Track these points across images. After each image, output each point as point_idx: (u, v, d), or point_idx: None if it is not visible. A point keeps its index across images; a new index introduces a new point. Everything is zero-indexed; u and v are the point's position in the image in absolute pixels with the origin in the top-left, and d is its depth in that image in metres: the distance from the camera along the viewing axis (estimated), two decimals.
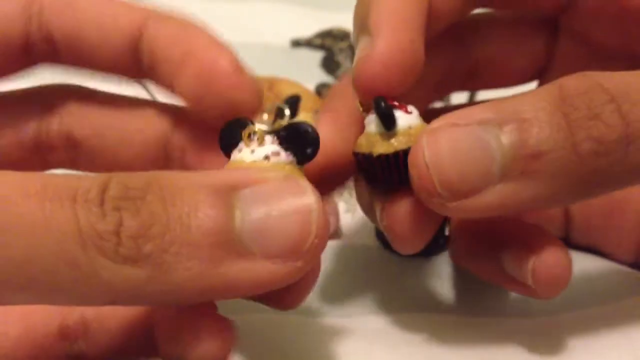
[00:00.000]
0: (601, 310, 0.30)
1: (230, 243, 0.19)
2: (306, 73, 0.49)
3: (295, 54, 0.53)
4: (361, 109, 0.25)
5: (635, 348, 0.28)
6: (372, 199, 0.26)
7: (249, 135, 0.23)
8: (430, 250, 0.34)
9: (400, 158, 0.24)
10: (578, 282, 0.32)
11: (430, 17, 0.26)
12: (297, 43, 0.54)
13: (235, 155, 0.23)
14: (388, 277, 0.33)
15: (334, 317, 0.30)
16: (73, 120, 0.29)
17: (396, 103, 0.24)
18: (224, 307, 0.29)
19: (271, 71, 0.45)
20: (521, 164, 0.22)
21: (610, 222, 0.32)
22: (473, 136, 0.22)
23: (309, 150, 0.22)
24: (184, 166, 0.29)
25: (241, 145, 0.23)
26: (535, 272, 0.25)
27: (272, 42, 0.53)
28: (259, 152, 0.22)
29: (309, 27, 0.54)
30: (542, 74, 0.32)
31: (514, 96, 0.23)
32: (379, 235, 0.34)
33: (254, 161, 0.22)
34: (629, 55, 0.30)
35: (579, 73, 0.23)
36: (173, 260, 0.19)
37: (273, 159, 0.22)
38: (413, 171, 0.23)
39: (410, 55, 0.25)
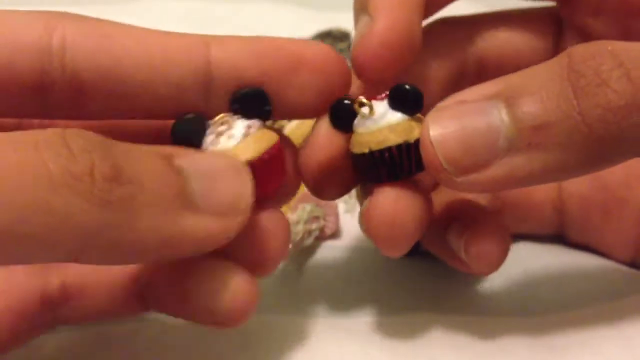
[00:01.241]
0: (599, 309, 0.30)
1: (185, 199, 0.21)
2: None
3: None
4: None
5: (633, 346, 0.28)
6: (365, 197, 0.27)
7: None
8: (424, 249, 0.34)
9: (406, 149, 0.25)
10: (575, 280, 0.32)
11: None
12: None
13: (215, 148, 0.23)
14: (388, 277, 0.33)
15: (334, 317, 0.30)
16: (78, 56, 0.22)
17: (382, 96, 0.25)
18: None
19: None
20: (528, 135, 0.22)
21: (607, 221, 0.32)
22: (478, 110, 0.23)
23: (267, 108, 0.24)
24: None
25: (210, 138, 0.24)
26: (466, 245, 0.26)
27: None
28: (236, 132, 0.24)
29: (309, 28, 0.54)
30: None
31: (523, 70, 0.23)
32: None
33: (237, 145, 0.23)
34: None
35: (589, 42, 0.22)
36: (139, 207, 0.20)
37: (251, 131, 0.24)
38: (422, 148, 0.23)
39: (408, 35, 0.25)
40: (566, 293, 0.32)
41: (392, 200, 0.25)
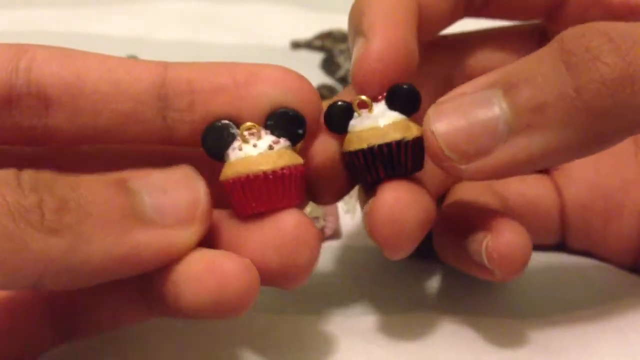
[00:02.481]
0: (598, 311, 0.30)
1: (133, 215, 0.22)
2: (306, 74, 0.49)
3: (295, 55, 0.53)
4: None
5: (633, 349, 0.28)
6: (366, 199, 0.27)
7: (245, 132, 0.24)
8: (431, 252, 0.34)
9: (399, 147, 0.25)
10: (574, 282, 0.32)
11: (421, 22, 0.27)
12: (297, 45, 0.54)
13: (237, 153, 0.24)
14: (388, 277, 0.33)
15: (334, 317, 0.30)
16: (44, 72, 0.24)
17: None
18: None
19: None
20: (526, 117, 0.22)
21: (607, 227, 0.32)
22: (477, 100, 0.23)
23: (300, 131, 0.25)
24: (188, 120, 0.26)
25: (236, 144, 0.24)
26: (488, 251, 0.26)
27: (271, 44, 0.53)
28: (262, 144, 0.24)
29: (309, 29, 0.55)
30: None
31: (518, 60, 0.24)
32: None
33: (261, 154, 0.24)
34: None
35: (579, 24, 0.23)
36: (90, 230, 0.21)
37: (275, 147, 0.24)
38: (426, 140, 0.24)
39: (404, 52, 0.26)
40: (565, 294, 0.32)
41: (394, 200, 0.25)
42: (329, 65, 0.50)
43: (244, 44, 0.50)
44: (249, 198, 0.24)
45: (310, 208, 0.34)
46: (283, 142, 0.24)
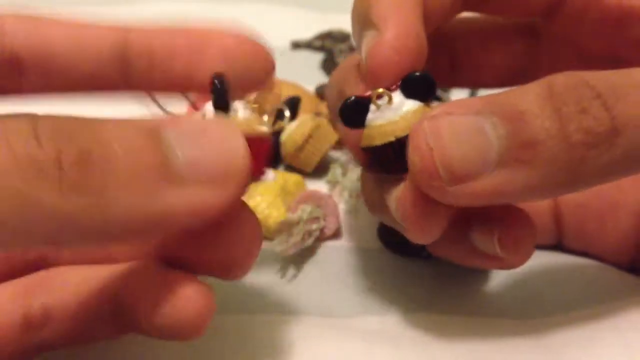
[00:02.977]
0: (597, 311, 0.30)
1: (165, 171, 0.20)
2: (306, 75, 0.49)
3: (295, 55, 0.53)
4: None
5: (631, 348, 0.28)
6: (383, 193, 0.27)
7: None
8: (427, 252, 0.34)
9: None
10: (574, 282, 0.32)
11: (424, 16, 0.27)
12: (297, 45, 0.54)
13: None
14: (388, 277, 0.33)
15: (334, 317, 0.30)
16: (16, 38, 0.27)
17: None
18: (225, 308, 0.30)
19: None
20: (517, 151, 0.23)
21: (603, 227, 0.32)
22: (472, 123, 0.23)
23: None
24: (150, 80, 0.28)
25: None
26: (501, 239, 0.26)
27: (271, 44, 0.53)
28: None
29: (309, 29, 0.55)
30: (524, 75, 0.33)
31: (506, 91, 0.24)
32: (381, 235, 0.34)
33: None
34: (612, 58, 0.31)
35: (566, 72, 0.24)
36: (115, 188, 0.19)
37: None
38: (415, 154, 0.24)
39: (417, 42, 0.26)
40: (565, 294, 0.32)
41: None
42: (329, 65, 0.50)
43: None
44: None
45: (310, 208, 0.34)
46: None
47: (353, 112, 0.26)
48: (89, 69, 0.26)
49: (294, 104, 0.41)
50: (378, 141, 0.25)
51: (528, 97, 0.23)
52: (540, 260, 0.34)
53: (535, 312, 0.31)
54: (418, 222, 0.25)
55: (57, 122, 0.19)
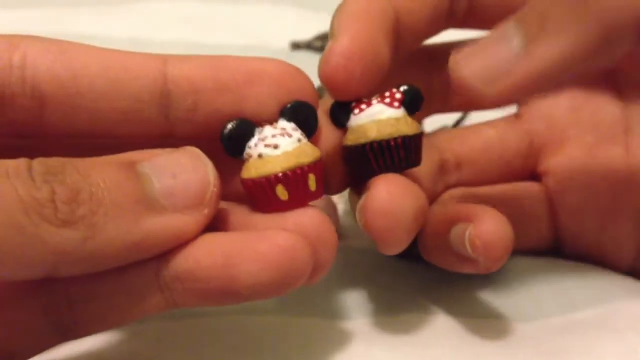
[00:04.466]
0: (598, 313, 0.30)
1: (144, 201, 0.22)
2: None
3: (295, 56, 0.53)
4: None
5: (631, 350, 0.28)
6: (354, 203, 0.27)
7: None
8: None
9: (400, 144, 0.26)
10: (573, 284, 0.32)
11: (401, 32, 0.28)
12: (296, 45, 0.54)
13: (267, 150, 0.25)
14: (388, 277, 0.33)
15: (334, 318, 0.30)
16: (37, 70, 0.24)
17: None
18: (224, 309, 0.30)
19: None
20: (535, 28, 0.24)
21: (603, 230, 0.32)
22: (494, 36, 0.25)
23: (314, 122, 0.26)
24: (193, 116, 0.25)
25: (255, 140, 0.25)
26: (471, 239, 0.26)
27: (271, 45, 0.53)
28: (289, 140, 0.25)
29: (309, 30, 0.55)
30: None
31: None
32: None
33: (292, 150, 0.25)
34: None
35: None
36: (102, 220, 0.21)
37: (302, 140, 0.25)
38: (451, 73, 0.25)
39: (370, 50, 0.26)
40: (565, 296, 0.32)
41: (388, 193, 0.25)
42: None
43: (243, 45, 0.50)
44: (277, 195, 0.24)
45: None
46: (300, 134, 0.25)
47: (339, 112, 0.27)
48: (122, 107, 0.24)
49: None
50: (351, 141, 0.26)
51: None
52: (540, 262, 0.34)
53: (535, 314, 0.31)
54: (378, 233, 0.26)
55: (48, 164, 0.21)
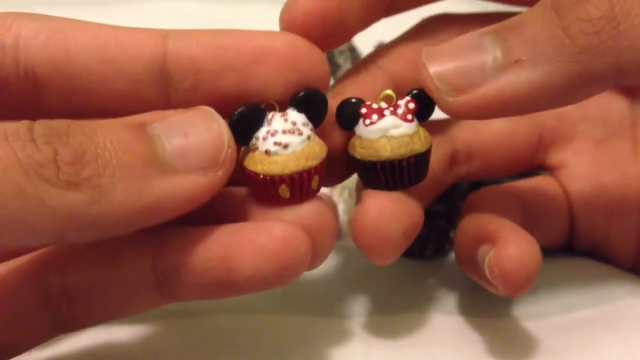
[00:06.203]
0: (598, 312, 0.30)
1: (155, 162, 0.21)
2: None
3: None
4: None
5: (633, 350, 0.28)
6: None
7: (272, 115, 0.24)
8: (434, 254, 0.34)
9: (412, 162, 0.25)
10: (575, 284, 0.32)
11: None
12: None
13: (270, 146, 0.24)
14: (388, 277, 0.33)
15: (334, 317, 0.30)
16: (31, 51, 0.23)
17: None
18: (224, 309, 0.30)
19: None
20: (515, 52, 0.23)
21: (611, 223, 0.32)
22: (470, 41, 0.24)
23: (324, 112, 0.25)
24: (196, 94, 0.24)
25: (264, 133, 0.24)
26: (490, 266, 0.26)
27: None
28: (297, 138, 0.24)
29: None
30: None
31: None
32: None
33: (300, 149, 0.24)
34: None
35: None
36: (110, 182, 0.20)
37: (312, 136, 0.24)
38: (418, 73, 0.25)
39: (332, 4, 0.25)
40: (566, 295, 0.32)
41: (377, 210, 0.25)
42: (329, 66, 0.50)
43: None
44: (279, 193, 0.24)
45: None
46: (311, 130, 0.24)
47: (348, 115, 0.26)
48: (121, 88, 0.23)
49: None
50: (357, 154, 0.25)
51: (528, 11, 0.24)
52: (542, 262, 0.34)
53: (536, 313, 0.31)
54: (366, 248, 0.26)
55: (51, 126, 0.20)
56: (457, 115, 0.25)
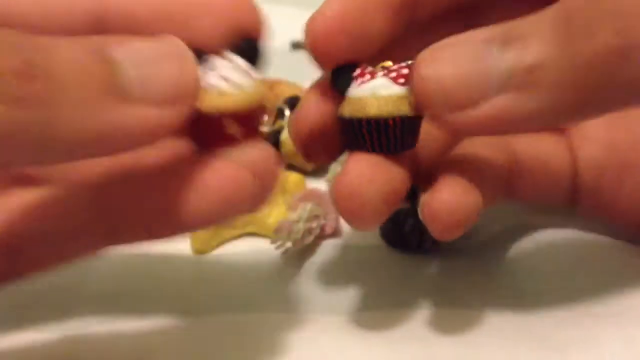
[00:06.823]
0: (601, 307, 0.30)
1: (114, 88, 0.20)
2: (306, 75, 0.49)
3: (295, 55, 0.53)
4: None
5: (635, 345, 0.28)
6: None
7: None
8: (433, 247, 0.34)
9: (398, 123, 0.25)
10: (577, 278, 0.32)
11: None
12: (297, 45, 0.54)
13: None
14: (388, 275, 0.33)
15: (334, 315, 0.30)
16: None
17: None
18: (224, 307, 0.30)
19: (271, 73, 0.45)
20: (519, 76, 0.22)
21: (620, 186, 0.31)
22: (473, 50, 0.23)
23: (261, 62, 0.24)
24: None
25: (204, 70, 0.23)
26: (422, 202, 0.26)
27: (272, 44, 0.53)
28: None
29: None
30: None
31: (519, 18, 0.24)
32: (384, 234, 0.35)
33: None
34: None
35: None
36: (60, 102, 0.19)
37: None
38: (414, 85, 0.24)
39: (358, 21, 0.25)
40: (568, 290, 0.32)
41: (356, 176, 0.25)
42: None
43: None
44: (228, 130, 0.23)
45: (311, 206, 0.34)
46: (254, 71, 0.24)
47: (341, 77, 0.25)
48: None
49: (294, 104, 0.41)
50: (346, 113, 0.25)
51: (538, 20, 0.23)
52: (543, 255, 0.34)
53: (537, 307, 0.31)
54: (345, 214, 0.25)
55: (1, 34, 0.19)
56: (452, 133, 0.25)
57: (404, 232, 0.34)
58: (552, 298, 0.31)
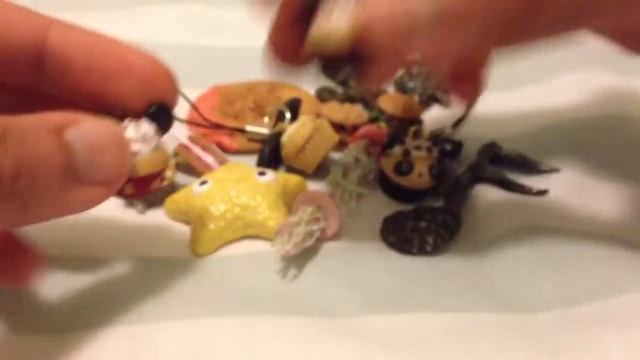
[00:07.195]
0: (601, 307, 0.31)
1: (72, 174, 0.24)
2: (306, 77, 0.49)
3: None
4: None
5: (634, 346, 0.28)
6: None
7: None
8: (435, 249, 0.34)
9: None
10: (577, 278, 0.32)
11: None
12: None
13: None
14: (388, 277, 0.33)
15: (335, 317, 0.30)
16: None
17: None
18: (224, 309, 0.30)
19: (271, 75, 0.45)
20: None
21: (628, 6, 0.29)
22: None
23: (171, 125, 0.28)
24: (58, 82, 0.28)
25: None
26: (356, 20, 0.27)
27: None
28: (145, 147, 0.27)
29: None
30: None
31: None
32: (385, 236, 0.35)
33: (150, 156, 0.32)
34: None
35: None
36: (35, 194, 0.23)
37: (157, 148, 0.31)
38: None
39: (279, 40, 0.32)
40: (568, 291, 0.32)
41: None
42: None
43: (245, 47, 0.50)
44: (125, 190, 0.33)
45: (311, 209, 0.34)
46: (159, 136, 0.28)
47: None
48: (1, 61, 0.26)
49: (294, 106, 0.41)
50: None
51: None
52: (543, 255, 0.34)
53: (536, 308, 0.31)
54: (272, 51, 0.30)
55: None
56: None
57: (405, 234, 0.34)
58: (552, 299, 0.31)
